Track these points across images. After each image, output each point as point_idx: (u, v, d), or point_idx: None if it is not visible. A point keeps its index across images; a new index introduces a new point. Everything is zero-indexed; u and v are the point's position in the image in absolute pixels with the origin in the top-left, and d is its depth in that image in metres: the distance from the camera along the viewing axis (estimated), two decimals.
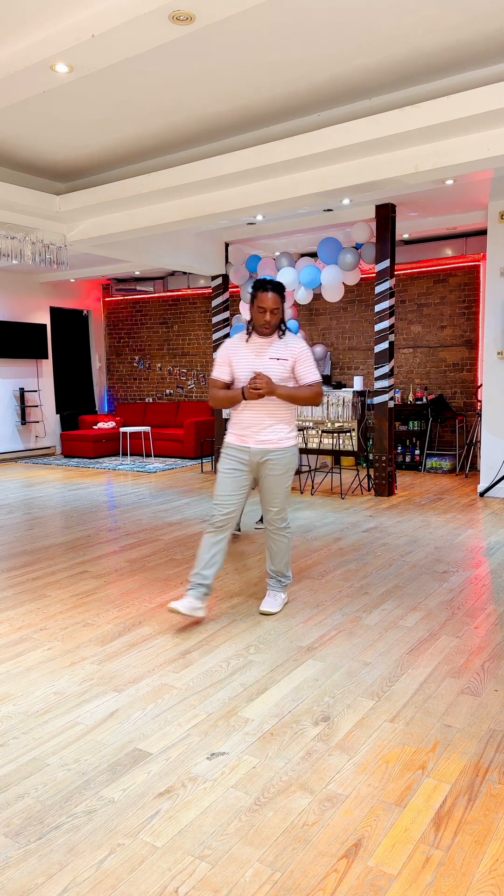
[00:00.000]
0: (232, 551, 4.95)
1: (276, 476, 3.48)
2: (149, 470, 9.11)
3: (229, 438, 3.48)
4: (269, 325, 3.36)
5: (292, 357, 3.42)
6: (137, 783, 2.18)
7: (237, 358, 3.42)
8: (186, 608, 3.42)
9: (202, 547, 3.48)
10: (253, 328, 3.43)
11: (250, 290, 3.32)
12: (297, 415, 4.85)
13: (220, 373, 3.47)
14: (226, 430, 3.68)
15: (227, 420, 8.31)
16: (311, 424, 7.93)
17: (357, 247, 7.23)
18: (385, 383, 6.94)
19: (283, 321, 3.44)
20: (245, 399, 3.36)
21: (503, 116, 4.37)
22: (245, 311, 8.34)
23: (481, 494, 6.89)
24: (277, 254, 8.18)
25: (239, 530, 5.58)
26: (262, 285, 3.33)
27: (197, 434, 10.01)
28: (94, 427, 11.08)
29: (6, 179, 6.23)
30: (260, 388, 3.30)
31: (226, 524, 3.46)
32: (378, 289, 6.83)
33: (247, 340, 3.43)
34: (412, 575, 4.29)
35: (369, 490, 7.32)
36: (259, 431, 3.42)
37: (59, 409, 11.62)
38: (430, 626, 3.44)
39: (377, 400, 7.01)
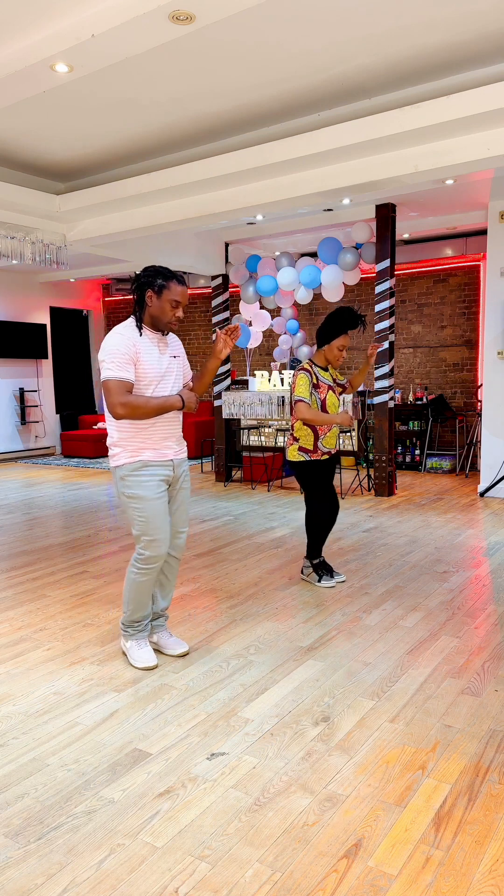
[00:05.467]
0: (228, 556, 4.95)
1: (188, 489, 3.15)
2: None
3: (145, 455, 2.93)
4: (178, 322, 2.95)
5: (183, 354, 3.10)
6: (137, 783, 2.18)
7: (144, 355, 2.88)
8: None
9: (145, 592, 3.04)
10: (149, 323, 2.93)
11: (159, 280, 2.86)
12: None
13: (127, 373, 2.83)
14: (213, 432, 3.18)
15: (229, 420, 8.26)
16: None
17: (357, 247, 7.23)
18: (385, 383, 6.94)
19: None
20: (184, 409, 2.93)
21: (503, 116, 4.38)
22: (246, 310, 8.33)
23: (481, 494, 6.89)
24: (277, 253, 8.18)
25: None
26: (173, 276, 2.89)
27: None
28: (94, 427, 11.07)
29: (6, 179, 6.22)
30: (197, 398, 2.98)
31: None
32: (378, 289, 6.83)
33: (140, 335, 2.91)
34: (412, 575, 4.29)
35: (369, 490, 7.32)
36: (176, 441, 3.06)
37: (59, 409, 11.62)
38: (430, 627, 3.44)
39: (377, 400, 7.01)
